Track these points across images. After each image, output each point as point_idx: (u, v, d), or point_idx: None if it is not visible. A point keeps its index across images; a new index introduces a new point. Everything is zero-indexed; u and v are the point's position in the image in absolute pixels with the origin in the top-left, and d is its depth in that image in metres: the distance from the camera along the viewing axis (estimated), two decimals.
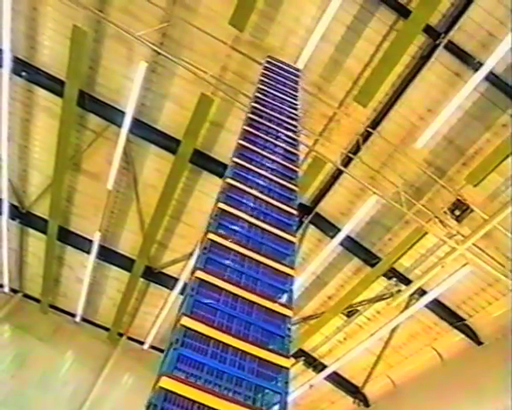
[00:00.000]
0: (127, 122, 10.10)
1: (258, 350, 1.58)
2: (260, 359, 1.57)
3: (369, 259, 11.16)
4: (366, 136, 9.76)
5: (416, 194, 9.98)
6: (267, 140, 5.15)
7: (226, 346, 1.59)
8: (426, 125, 9.29)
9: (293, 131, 5.73)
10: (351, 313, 11.65)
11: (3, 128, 11.01)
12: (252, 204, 3.66)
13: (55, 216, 12.37)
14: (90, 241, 12.67)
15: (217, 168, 10.78)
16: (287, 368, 1.59)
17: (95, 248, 12.63)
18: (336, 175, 10.40)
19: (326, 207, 11.01)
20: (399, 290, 10.85)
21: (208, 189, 11.07)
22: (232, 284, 1.99)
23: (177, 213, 12.00)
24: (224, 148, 10.26)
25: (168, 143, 10.85)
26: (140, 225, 12.25)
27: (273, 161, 4.79)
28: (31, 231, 13.91)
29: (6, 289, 15.88)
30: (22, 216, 13.42)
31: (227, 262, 2.25)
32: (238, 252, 2.34)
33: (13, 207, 12.97)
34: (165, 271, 12.96)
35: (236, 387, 1.47)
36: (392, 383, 13.02)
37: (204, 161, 11.02)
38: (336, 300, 11.48)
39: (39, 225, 13.23)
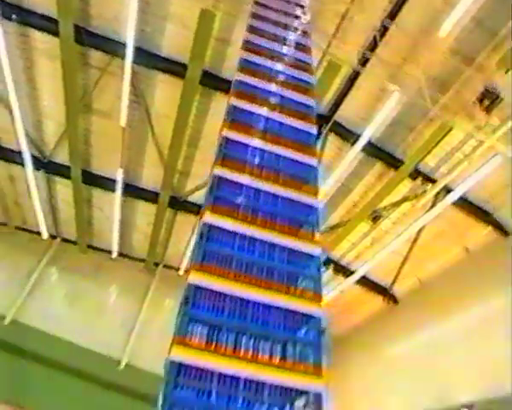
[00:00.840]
0: (130, 52, 9.66)
1: (287, 237, 1.53)
2: (290, 249, 1.52)
3: (393, 162, 10.96)
4: (383, 31, 9.05)
5: (441, 88, 9.42)
6: (275, 45, 4.73)
7: (253, 239, 1.54)
8: (450, 9, 8.45)
9: (304, 33, 5.27)
10: (376, 217, 11.77)
11: (9, 80, 10.77)
12: (264, 119, 3.24)
13: (76, 161, 12.57)
14: (114, 180, 12.90)
15: (228, 87, 10.39)
16: (318, 254, 1.53)
17: (119, 186, 12.90)
18: (353, 78, 9.87)
19: (345, 114, 10.64)
20: (425, 191, 10.76)
21: (222, 109, 10.79)
22: (254, 174, 1.86)
23: (195, 140, 11.93)
24: (234, 64, 9.80)
25: (175, 68, 10.45)
26: (159, 157, 12.32)
27: (284, 66, 4.35)
28: (56, 178, 14.29)
29: (45, 236, 16.80)
30: (45, 165, 13.70)
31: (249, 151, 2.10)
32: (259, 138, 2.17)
33: (35, 158, 13.17)
34: (190, 199, 13.22)
35: (268, 276, 1.42)
36: (419, 281, 13.46)
37: (214, 82, 10.64)
38: (361, 206, 11.55)
39: (63, 171, 13.51)
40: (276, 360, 1.22)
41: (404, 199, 11.24)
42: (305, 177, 1.91)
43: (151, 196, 13.48)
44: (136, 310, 15.79)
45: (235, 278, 1.33)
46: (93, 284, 16.31)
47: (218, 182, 1.75)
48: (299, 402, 1.20)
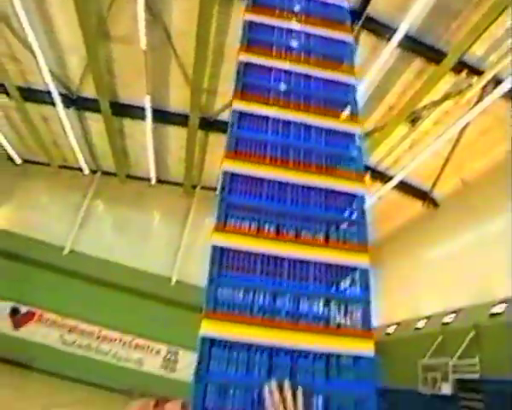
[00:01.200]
0: None
1: (323, 118, 1.39)
2: (327, 130, 1.37)
3: (434, 55, 9.98)
4: None
5: None
6: None
7: (287, 123, 1.41)
8: None
9: None
10: (415, 119, 11.11)
11: (23, 19, 10.47)
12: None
13: (103, 93, 12.51)
14: (143, 108, 12.83)
15: None
16: (358, 133, 1.40)
17: (149, 114, 12.86)
18: None
19: (378, 6, 9.60)
20: (470, 85, 9.86)
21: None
22: (282, 56, 1.66)
23: (218, 55, 11.38)
24: None
25: None
26: (184, 78, 11.99)
27: None
28: (87, 114, 14.43)
29: (86, 172, 17.58)
30: (74, 102, 13.81)
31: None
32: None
33: (63, 96, 13.25)
34: (220, 118, 13.03)
35: (306, 159, 1.33)
36: (461, 182, 12.97)
37: None
38: (399, 108, 10.87)
39: (92, 106, 13.55)
40: (320, 240, 1.18)
41: (447, 96, 10.42)
42: (339, 55, 1.70)
43: (181, 120, 13.38)
44: (179, 232, 16.74)
45: (271, 162, 1.26)
46: (136, 212, 17.25)
47: (245, 68, 1.59)
48: (346, 281, 1.16)
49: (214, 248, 1.12)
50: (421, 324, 13.14)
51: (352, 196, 1.27)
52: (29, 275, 14.81)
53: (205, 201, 16.86)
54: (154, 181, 17.41)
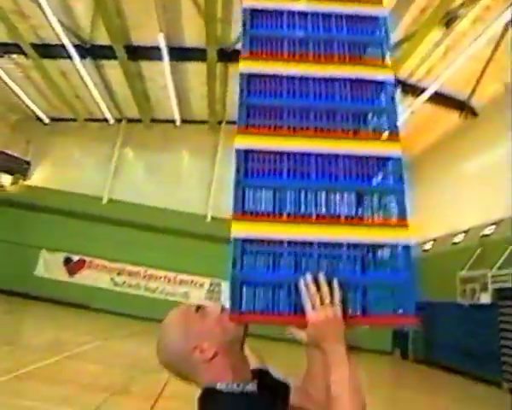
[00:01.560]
0: None
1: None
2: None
3: None
4: None
5: None
6: None
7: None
8: None
9: None
10: (451, 20, 10.07)
11: None
12: None
13: (116, 37, 12.17)
14: (158, 48, 12.41)
15: None
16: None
17: (165, 52, 12.45)
18: None
19: None
20: None
21: None
22: None
23: None
24: None
25: None
26: (197, 10, 11.36)
27: None
28: (103, 62, 14.18)
29: (112, 122, 17.72)
30: (89, 52, 13.55)
31: None
32: None
33: (77, 47, 12.99)
34: (237, 47, 12.42)
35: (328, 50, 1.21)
36: (504, 87, 11.97)
37: None
38: (431, 10, 9.84)
39: (107, 53, 13.27)
40: (349, 132, 1.10)
41: None
42: None
43: (198, 55, 12.89)
44: (210, 169, 16.89)
45: (289, 58, 1.16)
46: (165, 155, 17.48)
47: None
48: (378, 173, 1.10)
49: (238, 151, 1.08)
50: (458, 238, 13.01)
51: (379, 84, 1.17)
52: (75, 227, 15.73)
53: (232, 135, 16.44)
54: (178, 122, 17.34)
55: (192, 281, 16.14)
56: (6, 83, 14.81)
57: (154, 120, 17.55)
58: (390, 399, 7.68)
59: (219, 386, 0.86)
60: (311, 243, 0.99)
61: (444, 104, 13.37)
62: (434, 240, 14.51)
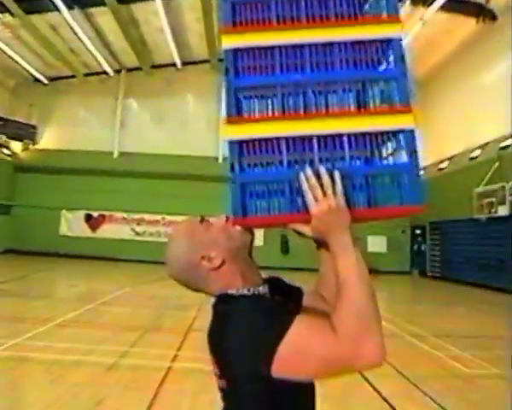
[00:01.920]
0: None
1: None
2: None
3: None
4: None
5: None
6: None
7: None
8: None
9: None
10: None
11: None
12: None
13: None
14: None
15: None
16: None
17: None
18: None
19: None
20: None
21: None
22: None
23: None
24: None
25: None
26: None
27: None
28: (93, 10, 13.52)
29: (111, 73, 17.25)
30: (75, 1, 12.90)
31: None
32: None
33: None
34: None
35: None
36: None
37: None
38: None
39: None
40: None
41: None
42: None
43: None
44: (216, 109, 16.47)
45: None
46: (170, 100, 17.14)
47: None
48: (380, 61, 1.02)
49: (226, 52, 1.01)
50: (476, 153, 12.69)
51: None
52: (90, 184, 15.99)
53: None
54: (179, 65, 16.78)
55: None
56: None
57: (154, 67, 17.01)
58: (409, 313, 7.99)
59: (230, 292, 0.89)
60: (310, 138, 0.96)
61: (459, 10, 12.37)
62: (451, 158, 14.20)
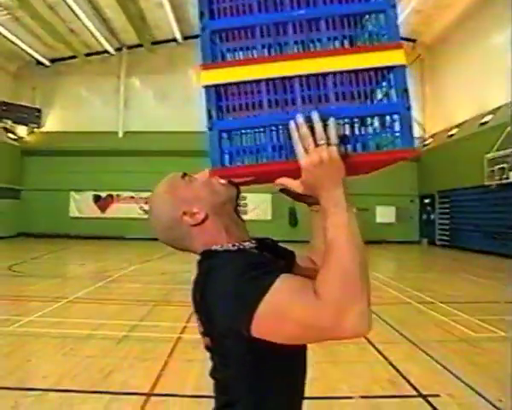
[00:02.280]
0: None
1: None
2: None
3: None
4: None
5: None
6: None
7: None
8: None
9: None
10: None
11: None
12: None
13: None
14: None
15: None
16: None
17: None
18: None
19: None
20: None
21: None
22: None
23: None
24: None
25: None
26: None
27: None
28: None
29: (113, 51, 17.02)
30: None
31: None
32: None
33: None
34: None
35: None
36: None
37: None
38: None
39: None
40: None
41: None
42: None
43: None
44: None
45: None
46: (172, 76, 16.90)
47: None
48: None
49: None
50: (487, 118, 12.36)
51: None
52: (96, 165, 16.05)
53: None
54: (180, 39, 16.46)
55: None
56: None
57: (154, 43, 16.72)
58: (417, 280, 8.00)
59: (214, 247, 0.85)
60: (292, 80, 0.89)
61: None
62: (461, 124, 13.87)
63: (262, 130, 0.89)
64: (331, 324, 0.67)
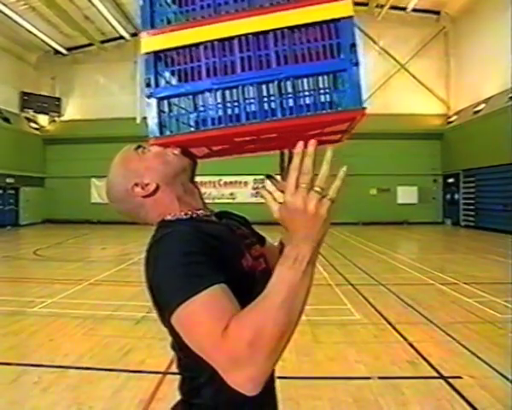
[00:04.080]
0: None
1: None
2: None
3: None
4: None
5: None
6: None
7: None
8: None
9: None
10: None
11: None
12: None
13: None
14: None
15: None
16: None
17: None
18: None
19: None
20: None
21: None
22: None
23: None
24: None
25: None
26: None
27: None
28: None
29: (128, 37, 17.02)
30: None
31: None
32: None
33: None
34: None
35: None
36: None
37: None
38: None
39: None
40: None
41: None
42: None
43: None
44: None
45: None
46: None
47: None
48: None
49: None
50: None
51: None
52: (115, 150, 15.97)
53: None
54: None
55: (236, 181, 16.58)
56: (14, 20, 14.36)
57: None
58: (440, 261, 7.80)
59: (167, 218, 0.84)
60: (231, 41, 0.81)
61: None
62: (487, 100, 13.27)
63: (202, 96, 0.83)
64: (220, 365, 0.63)
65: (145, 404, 2.47)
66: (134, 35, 17.02)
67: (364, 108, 0.77)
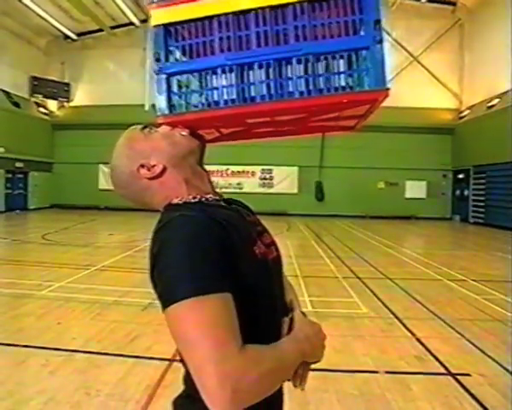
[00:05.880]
0: None
1: None
2: None
3: None
4: None
5: None
6: None
7: None
8: None
9: None
10: None
11: None
12: None
13: None
14: None
15: None
16: None
17: None
18: None
19: None
20: None
21: None
22: None
23: None
24: None
25: None
26: None
27: None
28: None
29: (138, 23, 16.89)
30: None
31: None
32: None
33: None
34: None
35: None
36: None
37: None
38: None
39: None
40: None
41: None
42: None
43: None
44: None
45: None
46: None
47: None
48: None
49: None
50: None
51: None
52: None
53: None
54: None
55: (243, 171, 16.55)
56: (25, 4, 14.30)
57: None
58: (448, 258, 7.72)
59: (174, 201, 0.79)
60: (247, 15, 0.76)
61: None
62: (502, 95, 12.99)
63: (214, 72, 0.79)
64: (205, 384, 0.58)
65: (151, 390, 2.47)
66: (144, 21, 16.90)
67: (388, 89, 0.74)
